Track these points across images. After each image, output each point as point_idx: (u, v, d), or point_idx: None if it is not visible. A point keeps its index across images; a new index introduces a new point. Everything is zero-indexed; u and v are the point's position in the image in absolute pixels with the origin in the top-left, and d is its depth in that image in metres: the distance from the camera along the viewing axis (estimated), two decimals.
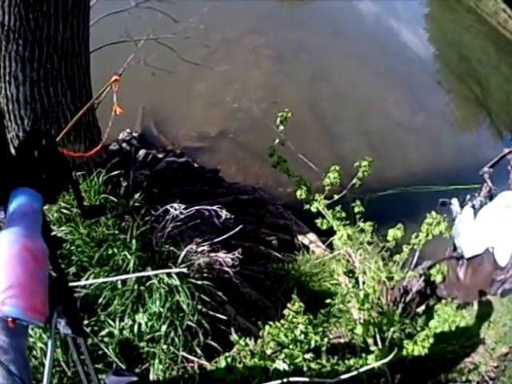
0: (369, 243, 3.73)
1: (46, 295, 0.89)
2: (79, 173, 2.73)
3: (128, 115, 5.72)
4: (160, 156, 4.63)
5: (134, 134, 5.20)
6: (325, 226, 3.67)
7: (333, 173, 3.58)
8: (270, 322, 2.44)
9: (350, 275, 3.87)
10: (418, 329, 3.83)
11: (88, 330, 2.25)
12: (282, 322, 2.42)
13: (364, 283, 3.51)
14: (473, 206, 3.27)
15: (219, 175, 4.64)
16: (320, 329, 2.47)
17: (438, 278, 3.26)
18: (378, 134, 6.63)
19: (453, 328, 3.89)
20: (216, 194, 4.16)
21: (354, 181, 3.69)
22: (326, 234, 4.04)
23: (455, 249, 3.40)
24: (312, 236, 4.34)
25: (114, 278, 2.13)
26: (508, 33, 11.50)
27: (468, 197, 3.35)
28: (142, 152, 4.45)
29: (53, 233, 1.14)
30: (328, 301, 3.28)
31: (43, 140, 1.01)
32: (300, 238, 4.31)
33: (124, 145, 4.58)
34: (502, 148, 4.01)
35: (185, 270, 2.24)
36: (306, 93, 6.86)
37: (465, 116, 8.90)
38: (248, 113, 6.22)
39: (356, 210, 3.66)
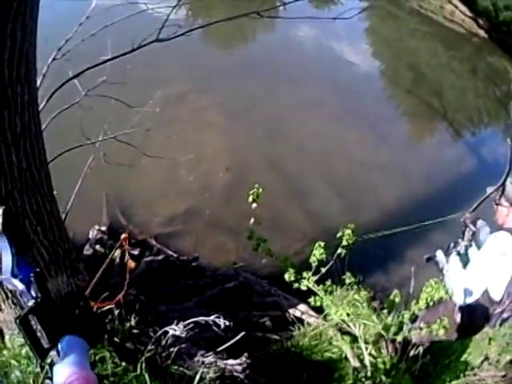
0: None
1: None
2: None
3: (92, 204, 5.53)
4: (135, 253, 4.53)
5: (103, 229, 5.08)
6: (318, 303, 3.70)
7: (318, 250, 3.62)
8: None
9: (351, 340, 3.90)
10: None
11: None
12: None
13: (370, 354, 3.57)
14: (458, 253, 3.19)
15: (199, 261, 4.59)
16: None
17: (441, 332, 3.28)
18: (344, 180, 6.67)
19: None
20: (201, 286, 4.10)
21: (339, 251, 3.71)
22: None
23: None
24: (302, 307, 4.34)
25: None
26: (456, 25, 11.55)
27: (452, 244, 3.29)
28: (117, 254, 4.33)
29: None
30: None
31: (81, 302, 1.30)
32: (291, 311, 4.31)
33: (97, 247, 4.45)
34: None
35: None
36: (264, 151, 6.83)
37: (421, 129, 9.04)
38: (206, 184, 6.18)
39: (347, 281, 3.70)
